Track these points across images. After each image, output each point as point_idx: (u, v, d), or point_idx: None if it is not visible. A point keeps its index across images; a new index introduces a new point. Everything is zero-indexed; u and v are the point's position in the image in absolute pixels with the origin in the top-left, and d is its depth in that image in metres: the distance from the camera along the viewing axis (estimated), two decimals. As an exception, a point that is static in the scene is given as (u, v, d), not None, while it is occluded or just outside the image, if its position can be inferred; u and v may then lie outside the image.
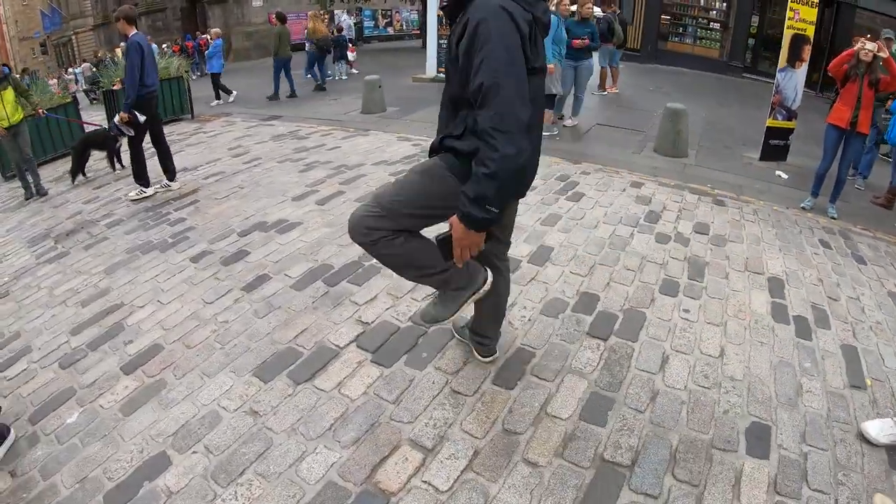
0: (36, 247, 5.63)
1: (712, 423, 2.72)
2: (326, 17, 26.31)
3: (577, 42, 8.21)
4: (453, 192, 2.10)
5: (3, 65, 7.87)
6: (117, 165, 7.80)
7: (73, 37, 43.28)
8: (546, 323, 3.47)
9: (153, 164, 6.64)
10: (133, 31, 6.01)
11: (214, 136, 9.51)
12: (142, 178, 6.44)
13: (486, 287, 2.49)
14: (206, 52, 14.56)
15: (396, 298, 3.78)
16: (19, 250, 5.68)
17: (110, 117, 9.90)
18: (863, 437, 2.74)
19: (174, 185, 6.63)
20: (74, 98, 10.51)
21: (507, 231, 2.74)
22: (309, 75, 14.48)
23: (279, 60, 12.72)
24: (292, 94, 12.98)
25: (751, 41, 16.88)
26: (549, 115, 8.00)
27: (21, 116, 7.38)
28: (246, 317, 3.71)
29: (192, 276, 4.36)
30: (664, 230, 4.90)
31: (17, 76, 8.11)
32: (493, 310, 2.90)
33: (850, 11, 14.46)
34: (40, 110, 8.25)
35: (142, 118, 6.06)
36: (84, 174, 7.76)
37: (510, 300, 3.58)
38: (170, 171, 6.63)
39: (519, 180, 2.11)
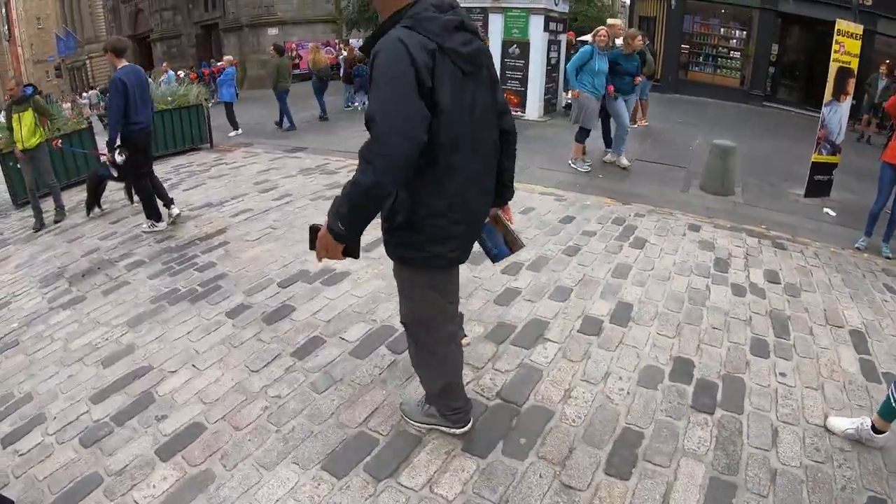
0: (48, 288, 5.11)
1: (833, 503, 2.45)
2: (343, 46, 26.50)
3: (638, 79, 7.99)
4: (414, 277, 2.32)
5: (28, 85, 7.36)
6: (135, 198, 7.26)
7: (88, 61, 43.40)
8: (647, 396, 3.05)
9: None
10: (122, 64, 5.65)
11: (237, 167, 9.00)
12: (151, 213, 6.10)
13: (456, 432, 2.67)
14: (218, 79, 14.22)
15: (477, 369, 3.24)
16: (30, 290, 5.17)
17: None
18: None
19: (174, 210, 6.24)
20: (90, 124, 10.04)
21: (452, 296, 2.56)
22: (353, 104, 14.54)
23: (279, 92, 12.34)
24: (290, 128, 12.50)
25: (770, 69, 16.73)
26: (578, 148, 7.64)
27: (37, 141, 7.05)
28: (302, 391, 3.14)
29: (231, 336, 3.78)
30: (737, 280, 4.53)
31: (41, 98, 7.62)
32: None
33: (869, 38, 14.32)
34: (56, 142, 7.86)
35: (119, 158, 5.70)
36: (100, 206, 7.25)
37: (604, 369, 3.28)
38: (164, 199, 6.28)
39: (370, 213, 1.95)
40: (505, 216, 2.56)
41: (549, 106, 12.45)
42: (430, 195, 2.03)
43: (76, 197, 8.02)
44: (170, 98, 10.73)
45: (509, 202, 2.57)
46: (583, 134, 7.62)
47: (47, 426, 3.11)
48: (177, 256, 5.33)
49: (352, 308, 4.01)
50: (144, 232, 6.10)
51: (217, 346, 3.67)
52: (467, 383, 3.07)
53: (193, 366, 3.47)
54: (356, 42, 23.90)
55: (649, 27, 18.32)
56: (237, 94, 13.18)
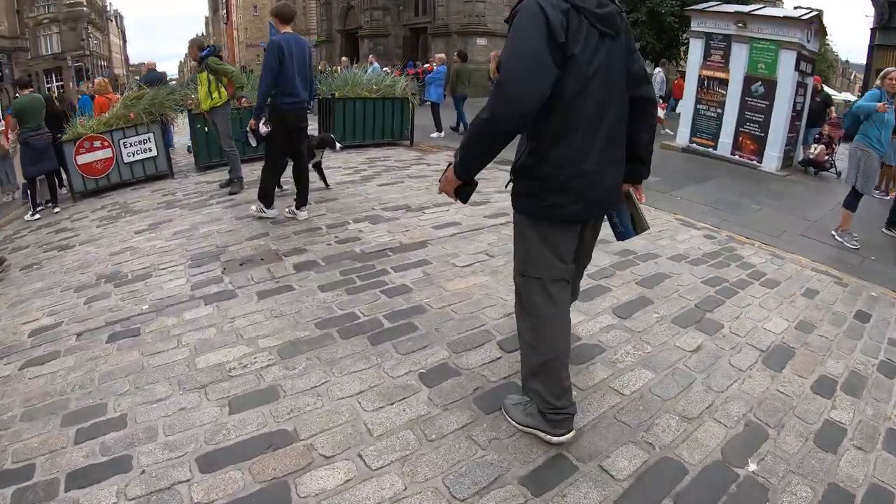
0: (198, 269, 4.41)
1: None
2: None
3: None
4: (531, 230, 2.30)
5: (208, 46, 7.27)
6: (319, 184, 6.59)
7: (296, 50, 47.55)
8: None
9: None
10: (285, 30, 5.52)
11: (440, 171, 7.98)
12: (265, 196, 5.79)
13: (553, 441, 2.35)
14: (427, 77, 14.03)
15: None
16: (177, 267, 4.52)
17: (322, 127, 9.85)
18: None
19: (301, 214, 5.80)
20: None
21: (582, 259, 2.62)
22: None
23: (457, 97, 12.76)
24: (456, 129, 12.79)
25: None
26: (847, 217, 6.34)
27: (210, 104, 7.20)
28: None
29: (428, 420, 2.51)
30: None
31: (222, 60, 7.45)
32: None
33: None
34: (241, 100, 8.20)
35: (264, 129, 5.45)
36: (280, 186, 6.58)
37: None
38: (300, 197, 5.87)
39: (483, 149, 2.12)
40: (637, 195, 2.60)
41: (787, 159, 10.58)
42: (551, 146, 2.14)
43: (257, 172, 7.55)
44: (375, 86, 10.43)
45: (643, 181, 2.58)
46: (855, 199, 6.30)
47: (128, 483, 2.18)
48: (360, 267, 4.31)
49: (618, 411, 2.60)
50: (252, 215, 5.82)
51: (403, 430, 2.43)
52: None
53: (360, 456, 2.27)
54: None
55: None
56: (444, 96, 13.06)
